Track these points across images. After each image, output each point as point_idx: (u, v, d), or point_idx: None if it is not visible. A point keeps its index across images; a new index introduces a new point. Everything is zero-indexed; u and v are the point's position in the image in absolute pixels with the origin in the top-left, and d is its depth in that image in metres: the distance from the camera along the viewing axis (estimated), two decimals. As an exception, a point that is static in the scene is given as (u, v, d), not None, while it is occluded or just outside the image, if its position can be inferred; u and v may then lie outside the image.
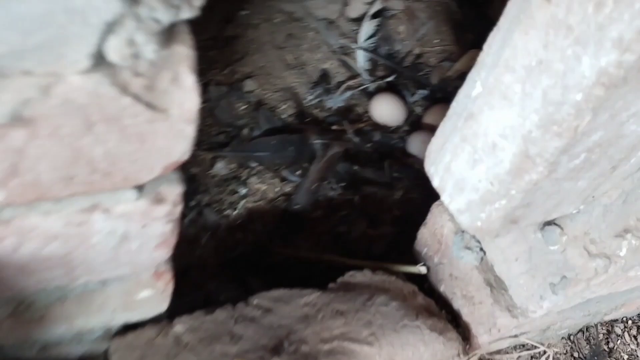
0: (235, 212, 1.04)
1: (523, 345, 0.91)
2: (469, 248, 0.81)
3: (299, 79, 1.28)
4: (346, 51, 1.37)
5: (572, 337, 0.96)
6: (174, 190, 0.54)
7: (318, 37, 1.35)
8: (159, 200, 0.53)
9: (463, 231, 0.83)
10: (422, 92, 1.39)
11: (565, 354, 0.93)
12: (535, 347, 0.90)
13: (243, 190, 1.06)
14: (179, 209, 0.55)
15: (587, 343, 0.95)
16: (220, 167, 1.08)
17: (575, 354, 0.94)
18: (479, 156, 0.55)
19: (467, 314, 0.84)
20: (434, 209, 0.89)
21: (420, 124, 1.33)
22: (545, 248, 0.69)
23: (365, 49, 1.37)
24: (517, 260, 0.74)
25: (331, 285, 0.83)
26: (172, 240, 0.59)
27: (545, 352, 0.90)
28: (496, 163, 0.53)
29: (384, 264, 0.93)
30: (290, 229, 1.04)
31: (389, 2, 1.42)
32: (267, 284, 0.94)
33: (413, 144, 1.28)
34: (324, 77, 1.32)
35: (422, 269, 0.92)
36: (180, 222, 0.60)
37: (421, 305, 0.84)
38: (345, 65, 1.36)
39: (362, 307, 0.79)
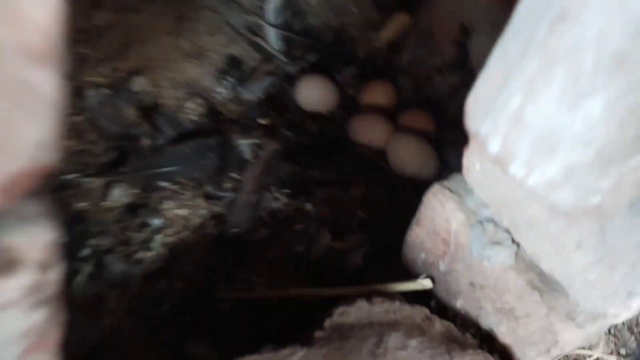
0: (150, 254, 0.74)
1: (566, 356, 0.70)
2: (497, 243, 0.58)
3: (202, 70, 1.00)
4: (254, 31, 1.11)
5: (612, 330, 0.76)
6: (40, 238, 0.25)
7: (217, 17, 1.08)
8: (6, 264, 0.24)
9: (481, 221, 0.60)
10: (350, 70, 1.16)
11: (611, 353, 0.74)
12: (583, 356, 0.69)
13: (156, 222, 0.77)
14: (54, 274, 0.26)
15: (630, 334, 0.76)
16: (119, 195, 0.78)
17: (622, 351, 0.74)
18: (586, 84, 0.32)
19: (505, 333, 0.61)
20: (431, 198, 0.65)
21: (357, 106, 1.10)
22: (632, 222, 0.47)
23: (276, 26, 1.12)
24: (579, 247, 0.52)
25: (319, 334, 0.57)
26: (54, 335, 0.30)
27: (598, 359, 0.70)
28: (629, 86, 0.30)
29: (375, 286, 0.68)
30: (233, 262, 0.76)
31: (294, -33, 1.18)
32: (216, 347, 0.66)
33: (356, 131, 1.05)
34: (234, 64, 1.05)
35: (426, 283, 0.68)
36: (64, 295, 0.31)
37: (443, 335, 0.60)
38: (256, 47, 1.10)
39: (373, 358, 0.53)
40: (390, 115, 1.08)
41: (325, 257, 0.80)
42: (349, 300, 0.62)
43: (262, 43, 1.10)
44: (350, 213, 0.86)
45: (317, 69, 1.13)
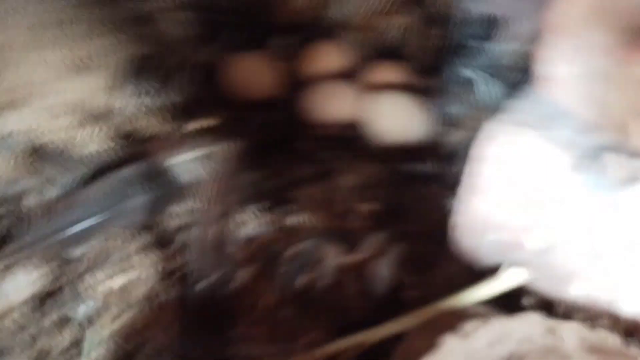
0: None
1: None
2: (632, 178, 0.37)
3: (92, 83, 0.73)
4: (147, 19, 0.85)
5: None
6: None
7: (97, 13, 0.81)
8: None
9: (590, 155, 0.38)
10: (277, 40, 0.93)
11: None
12: None
13: (83, 308, 0.50)
14: None
15: None
16: (16, 287, 0.50)
17: None
18: None
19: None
20: (491, 147, 0.43)
21: (304, 80, 0.87)
22: None
23: (173, 7, 0.86)
24: None
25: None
26: None
27: None
28: None
29: (443, 304, 0.45)
30: (217, 331, 0.51)
31: None
32: None
33: (312, 107, 0.82)
34: (139, 65, 0.78)
35: (518, 274, 0.45)
36: None
37: (589, 348, 0.38)
38: (154, 39, 0.84)
39: None
40: (347, 78, 0.86)
41: (339, 280, 0.56)
42: (424, 340, 0.38)
43: (161, 31, 0.84)
44: (351, 210, 0.62)
45: (238, 48, 0.88)
